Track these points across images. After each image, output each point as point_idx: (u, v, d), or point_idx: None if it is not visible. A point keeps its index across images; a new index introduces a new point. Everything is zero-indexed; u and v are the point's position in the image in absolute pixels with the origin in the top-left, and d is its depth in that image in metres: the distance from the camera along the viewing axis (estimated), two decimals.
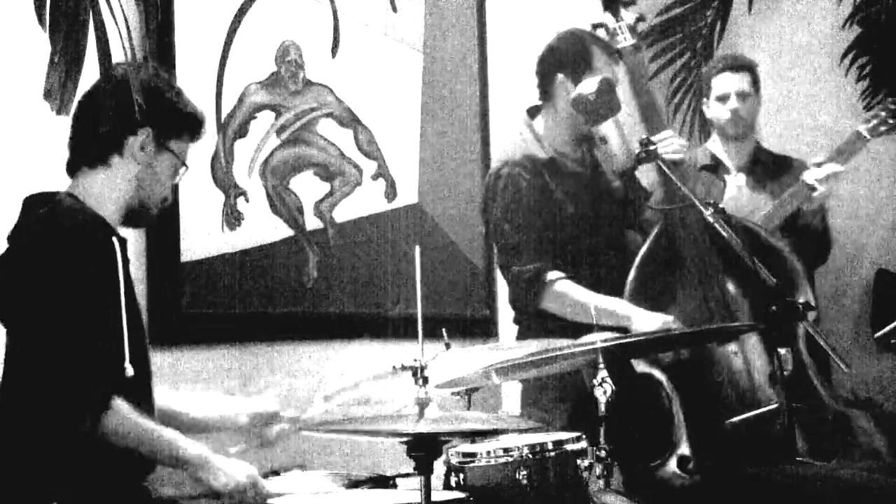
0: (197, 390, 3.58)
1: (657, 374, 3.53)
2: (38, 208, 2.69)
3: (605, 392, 2.79)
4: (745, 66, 4.47)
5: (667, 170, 3.54)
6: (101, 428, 2.51)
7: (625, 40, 3.78)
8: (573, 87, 3.67)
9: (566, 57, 3.73)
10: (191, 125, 2.85)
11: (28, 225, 2.68)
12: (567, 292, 3.61)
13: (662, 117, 3.84)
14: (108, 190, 2.74)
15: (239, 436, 3.02)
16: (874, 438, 3.57)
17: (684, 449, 3.42)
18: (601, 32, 3.80)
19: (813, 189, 4.14)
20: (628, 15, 3.81)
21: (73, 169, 2.79)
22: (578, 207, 3.73)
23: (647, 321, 3.52)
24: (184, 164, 2.85)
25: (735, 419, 3.44)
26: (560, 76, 3.73)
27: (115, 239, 2.67)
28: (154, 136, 2.75)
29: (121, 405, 2.53)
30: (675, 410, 3.47)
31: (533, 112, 3.85)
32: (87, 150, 2.76)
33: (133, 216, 2.81)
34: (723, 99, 4.42)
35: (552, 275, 3.62)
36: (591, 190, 3.79)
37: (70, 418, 2.51)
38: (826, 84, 5.26)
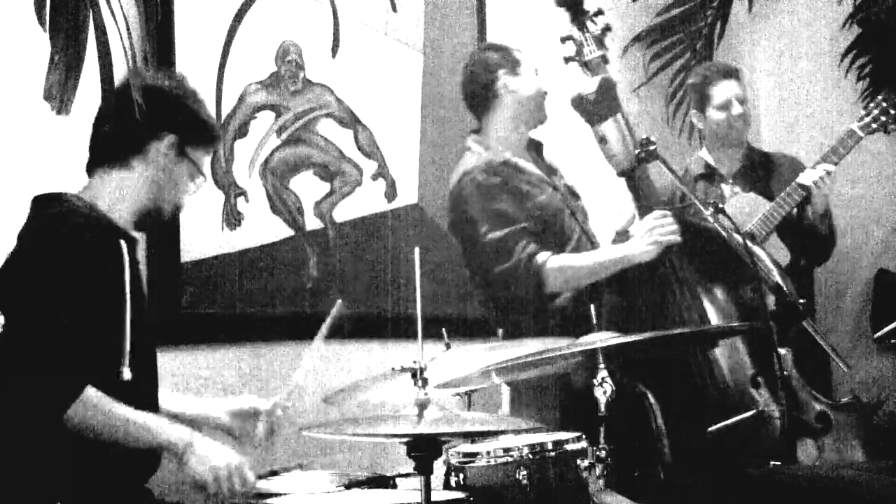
0: (196, 391, 3.58)
1: (637, 383, 3.51)
2: (47, 208, 2.70)
3: (605, 392, 2.79)
4: (736, 72, 4.51)
5: (668, 170, 3.54)
6: (70, 418, 2.50)
7: (591, 52, 3.75)
8: (513, 78, 3.79)
9: (498, 58, 3.83)
10: (210, 135, 2.88)
11: (35, 224, 2.69)
12: (564, 264, 3.64)
13: (634, 131, 3.82)
14: (124, 192, 2.76)
15: (223, 436, 3.00)
16: (853, 438, 3.58)
17: (667, 458, 3.41)
18: (569, 46, 3.80)
19: (807, 189, 4.16)
20: (594, 26, 3.78)
21: (91, 168, 2.80)
22: (544, 198, 3.74)
23: (640, 237, 3.58)
24: (202, 173, 2.87)
25: (714, 427, 3.43)
26: (501, 71, 3.80)
27: (122, 241, 2.67)
28: (175, 142, 2.77)
29: (91, 395, 2.52)
30: (655, 420, 3.46)
31: (477, 131, 3.89)
32: (108, 151, 2.77)
33: (146, 220, 2.83)
34: (725, 107, 4.41)
35: (542, 256, 3.63)
36: (547, 186, 3.81)
37: (36, 408, 2.52)
38: (826, 84, 5.27)
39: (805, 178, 4.19)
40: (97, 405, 2.53)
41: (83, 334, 2.54)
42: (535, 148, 3.93)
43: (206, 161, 2.93)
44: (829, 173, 4.16)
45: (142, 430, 2.59)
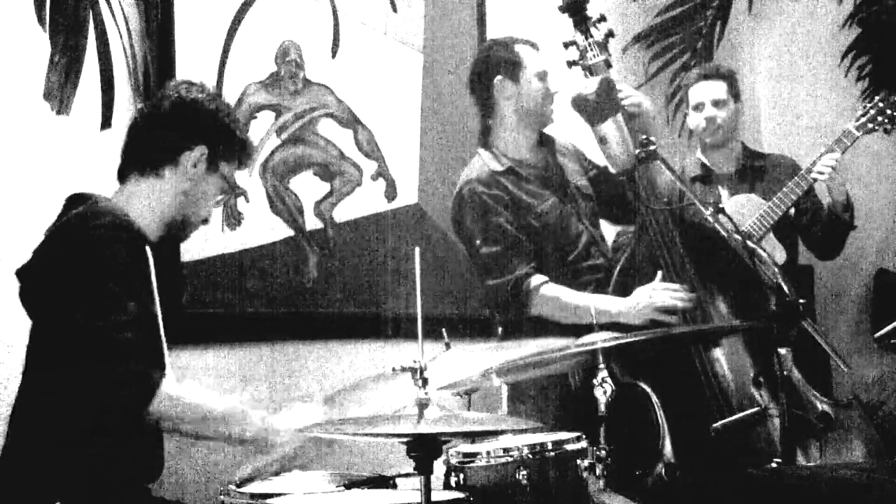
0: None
1: (640, 383, 3.51)
2: (76, 207, 2.71)
3: (605, 392, 2.79)
4: (721, 74, 4.49)
5: (668, 170, 3.54)
6: (152, 413, 2.53)
7: (595, 57, 3.77)
8: (513, 84, 3.76)
9: (498, 60, 3.80)
10: (243, 152, 2.89)
11: (63, 222, 2.70)
12: (557, 296, 3.64)
13: (635, 130, 3.82)
14: (153, 200, 2.78)
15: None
16: (859, 438, 3.58)
17: (670, 457, 3.41)
18: (572, 50, 3.81)
19: (813, 181, 4.18)
20: (597, 32, 3.80)
21: (123, 175, 2.82)
22: (546, 206, 3.73)
23: (637, 307, 3.56)
24: (232, 188, 2.89)
25: (719, 424, 3.43)
26: (498, 78, 3.78)
27: (148, 249, 2.70)
28: (208, 155, 2.79)
29: (169, 390, 2.55)
30: (658, 419, 3.45)
31: (486, 132, 3.88)
32: (141, 159, 2.79)
33: (173, 230, 2.84)
34: (698, 107, 4.44)
35: (536, 280, 3.63)
36: (556, 189, 3.80)
37: (121, 405, 2.53)
38: (826, 84, 5.27)
39: (807, 175, 4.21)
40: (176, 397, 2.56)
41: (147, 330, 2.56)
42: (546, 144, 3.89)
43: (235, 176, 2.95)
44: (834, 168, 4.17)
45: (222, 418, 2.63)
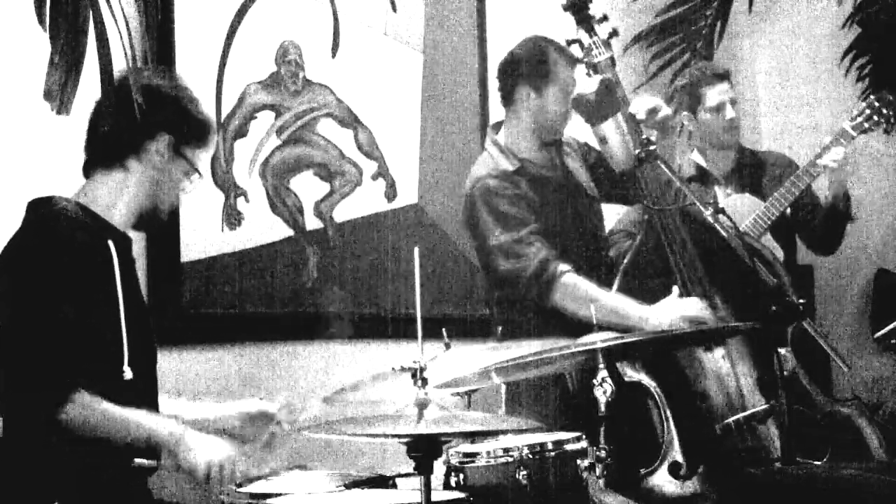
0: (196, 391, 3.59)
1: (646, 381, 3.50)
2: (38, 211, 2.70)
3: (605, 392, 2.79)
4: (727, 74, 4.52)
5: (668, 170, 3.54)
6: (63, 419, 2.52)
7: (600, 55, 3.75)
8: (535, 96, 3.73)
9: (527, 66, 3.76)
10: (205, 133, 2.88)
11: (26, 228, 2.70)
12: (576, 286, 3.58)
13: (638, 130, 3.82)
14: (121, 193, 2.77)
15: (233, 438, 3.00)
16: (866, 436, 3.58)
17: (675, 455, 3.41)
18: (576, 48, 3.79)
19: (816, 175, 4.19)
20: (601, 30, 3.79)
21: (88, 170, 2.81)
22: (552, 207, 3.73)
23: (663, 316, 3.51)
24: (197, 171, 2.88)
25: (725, 421, 3.43)
26: (521, 86, 3.75)
27: (111, 243, 2.68)
28: (171, 142, 2.78)
29: (83, 396, 2.54)
30: (664, 417, 3.45)
31: (498, 126, 3.87)
32: (104, 153, 2.78)
33: (144, 220, 2.84)
34: (718, 109, 4.43)
35: (561, 267, 3.58)
36: (563, 191, 3.79)
37: (29, 410, 2.55)
38: (826, 84, 5.27)
39: (804, 174, 4.22)
40: (89, 404, 2.55)
41: (72, 336, 2.55)
42: (553, 145, 3.88)
43: (202, 158, 2.93)
44: (842, 153, 4.18)
45: (133, 425, 2.60)
